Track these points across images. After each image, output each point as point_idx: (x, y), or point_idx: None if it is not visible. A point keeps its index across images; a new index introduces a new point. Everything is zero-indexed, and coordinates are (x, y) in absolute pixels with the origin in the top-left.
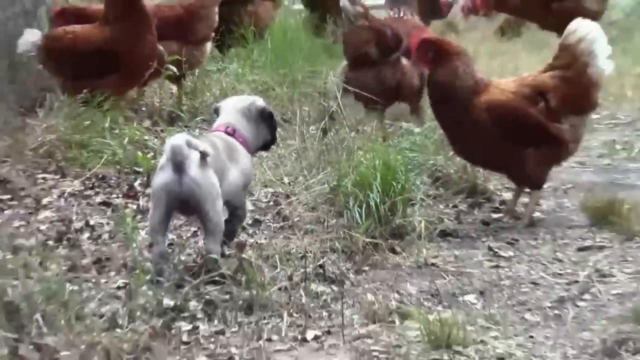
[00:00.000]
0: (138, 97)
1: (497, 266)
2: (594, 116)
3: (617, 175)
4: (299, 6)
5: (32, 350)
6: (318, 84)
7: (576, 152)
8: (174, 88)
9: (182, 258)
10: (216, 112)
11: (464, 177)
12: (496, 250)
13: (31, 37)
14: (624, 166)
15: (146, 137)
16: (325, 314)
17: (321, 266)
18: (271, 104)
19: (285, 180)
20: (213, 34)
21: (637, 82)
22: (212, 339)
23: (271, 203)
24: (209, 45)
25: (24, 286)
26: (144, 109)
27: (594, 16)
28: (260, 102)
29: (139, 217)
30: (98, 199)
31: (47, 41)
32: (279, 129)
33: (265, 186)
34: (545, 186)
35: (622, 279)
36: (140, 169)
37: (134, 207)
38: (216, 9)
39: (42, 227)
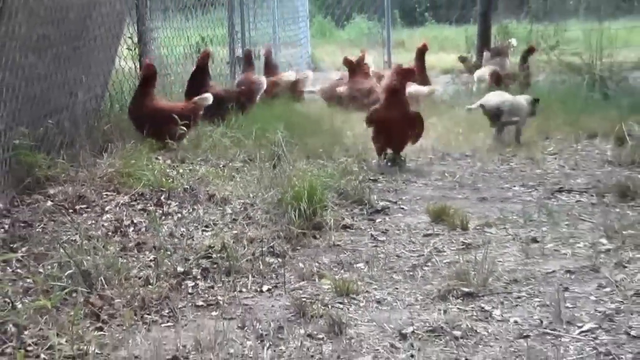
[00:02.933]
0: (165, 147)
1: (376, 246)
2: (431, 155)
3: (447, 191)
4: None
5: (98, 298)
6: (270, 137)
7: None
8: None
9: (189, 242)
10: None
11: (357, 192)
12: (376, 236)
13: None
14: (450, 186)
15: (167, 170)
16: (274, 275)
17: (272, 247)
18: (241, 150)
19: (251, 195)
20: None
21: (457, 138)
22: (207, 292)
23: (242, 209)
24: None
25: (94, 260)
26: (166, 153)
27: None
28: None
29: (163, 217)
30: (139, 207)
31: None
32: (246, 165)
33: (238, 199)
34: (404, 198)
35: (450, 253)
36: (164, 189)
37: (160, 211)
38: None
39: (105, 224)
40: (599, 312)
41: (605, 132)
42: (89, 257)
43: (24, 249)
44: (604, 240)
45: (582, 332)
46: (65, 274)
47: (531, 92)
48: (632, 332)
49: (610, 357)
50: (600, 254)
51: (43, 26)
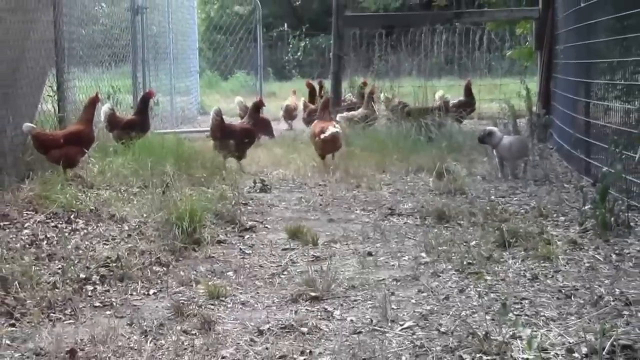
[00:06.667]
0: (74, 174)
1: (244, 258)
2: (291, 184)
3: (302, 214)
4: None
5: (13, 299)
6: (162, 169)
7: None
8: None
9: (91, 254)
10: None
11: (230, 214)
12: (244, 250)
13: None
14: (305, 209)
15: (79, 194)
16: (159, 281)
17: (158, 258)
18: (138, 179)
19: (144, 215)
20: None
21: (313, 171)
22: (103, 295)
23: (137, 226)
24: None
25: (11, 267)
26: (78, 178)
27: None
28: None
29: (72, 233)
30: (52, 224)
31: None
32: (142, 190)
33: (134, 218)
34: (268, 219)
35: (302, 264)
36: (74, 209)
37: (70, 228)
38: None
39: (23, 238)
40: (417, 312)
41: (429, 167)
42: (7, 265)
43: None
44: (424, 255)
45: (403, 329)
46: None
47: (373, 130)
48: (442, 329)
49: (424, 349)
50: (420, 265)
51: None
